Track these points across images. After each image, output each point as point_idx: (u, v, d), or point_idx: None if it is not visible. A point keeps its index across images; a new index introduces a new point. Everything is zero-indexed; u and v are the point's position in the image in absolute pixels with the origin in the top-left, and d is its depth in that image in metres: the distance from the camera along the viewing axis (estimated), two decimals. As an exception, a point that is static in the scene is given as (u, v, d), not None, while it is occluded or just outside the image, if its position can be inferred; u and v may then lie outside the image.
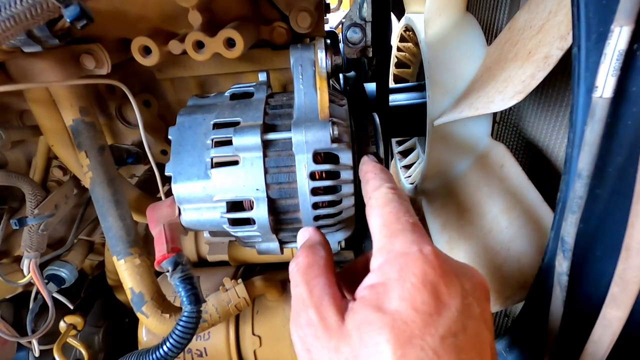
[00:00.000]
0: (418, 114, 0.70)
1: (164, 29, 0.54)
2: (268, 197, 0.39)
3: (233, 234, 0.42)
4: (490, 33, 0.67)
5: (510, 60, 0.50)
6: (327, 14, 0.80)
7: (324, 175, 0.39)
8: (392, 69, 0.98)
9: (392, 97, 0.79)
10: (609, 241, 0.32)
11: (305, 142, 0.37)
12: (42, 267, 0.70)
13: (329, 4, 0.62)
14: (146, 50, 0.50)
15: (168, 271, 0.44)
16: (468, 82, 0.62)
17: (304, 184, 0.38)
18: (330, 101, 0.40)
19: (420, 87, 0.79)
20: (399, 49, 0.95)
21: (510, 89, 0.45)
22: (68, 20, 0.29)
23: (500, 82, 0.49)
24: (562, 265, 0.34)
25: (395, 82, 1.00)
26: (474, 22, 0.63)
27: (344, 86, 0.64)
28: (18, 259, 0.74)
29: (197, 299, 0.47)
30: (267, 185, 0.39)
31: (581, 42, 0.30)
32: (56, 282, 0.79)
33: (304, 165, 0.38)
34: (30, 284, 0.65)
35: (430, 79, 0.64)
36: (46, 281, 0.78)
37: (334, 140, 0.37)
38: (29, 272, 0.62)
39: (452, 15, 0.63)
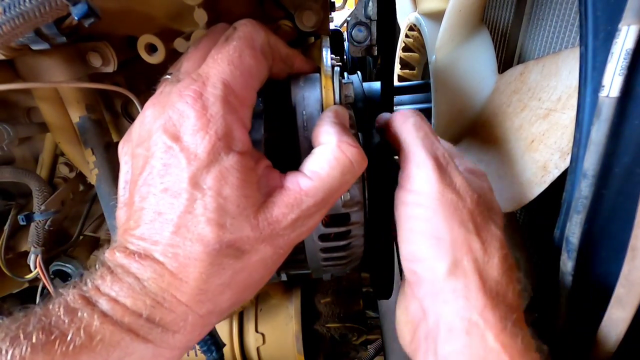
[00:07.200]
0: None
1: (170, 27, 0.54)
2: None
3: None
4: (496, 31, 0.67)
5: (515, 129, 0.48)
6: (332, 13, 0.80)
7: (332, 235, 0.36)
8: (397, 70, 0.98)
9: (396, 98, 0.79)
10: (614, 242, 0.31)
11: None
12: (48, 262, 0.70)
13: (334, 3, 0.62)
14: (152, 49, 0.51)
15: None
16: (473, 115, 0.61)
17: (313, 246, 0.36)
18: None
19: (425, 86, 0.79)
20: (404, 49, 0.94)
21: (507, 187, 0.45)
22: (76, 18, 0.29)
23: (501, 159, 0.48)
24: (566, 266, 0.34)
25: (400, 82, 1.00)
26: (486, 42, 0.60)
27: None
28: (24, 255, 0.74)
29: (217, 347, 0.46)
30: None
31: (588, 41, 0.30)
32: (62, 277, 0.80)
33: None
34: (36, 279, 0.66)
35: (435, 107, 0.63)
36: (52, 276, 0.78)
37: (344, 205, 0.34)
38: (36, 267, 0.62)
39: (465, 34, 0.60)
